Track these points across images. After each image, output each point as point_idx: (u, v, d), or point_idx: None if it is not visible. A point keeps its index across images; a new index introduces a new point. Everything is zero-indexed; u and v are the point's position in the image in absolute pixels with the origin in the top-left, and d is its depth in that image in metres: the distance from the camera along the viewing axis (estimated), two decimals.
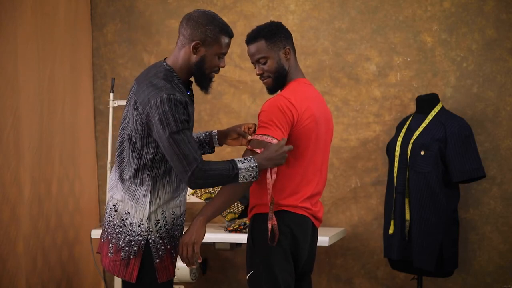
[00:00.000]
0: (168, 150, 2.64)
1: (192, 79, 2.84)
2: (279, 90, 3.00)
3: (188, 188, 4.38)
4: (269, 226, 2.85)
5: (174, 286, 4.49)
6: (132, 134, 2.71)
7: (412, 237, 3.98)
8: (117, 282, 4.50)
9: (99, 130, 4.95)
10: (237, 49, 4.64)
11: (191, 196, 4.37)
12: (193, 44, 2.74)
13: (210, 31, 2.75)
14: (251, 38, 2.96)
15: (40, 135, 4.42)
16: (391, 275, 4.46)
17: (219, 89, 4.71)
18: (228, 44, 2.80)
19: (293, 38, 3.09)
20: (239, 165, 2.69)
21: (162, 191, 2.76)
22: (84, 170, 4.82)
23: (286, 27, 3.08)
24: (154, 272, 2.74)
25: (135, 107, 2.69)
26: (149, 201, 2.74)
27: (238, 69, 4.67)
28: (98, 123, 4.95)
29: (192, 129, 2.83)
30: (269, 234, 2.85)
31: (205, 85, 2.81)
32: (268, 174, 2.83)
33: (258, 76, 2.99)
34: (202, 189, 4.28)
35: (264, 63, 2.95)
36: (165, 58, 2.82)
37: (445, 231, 3.99)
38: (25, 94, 4.29)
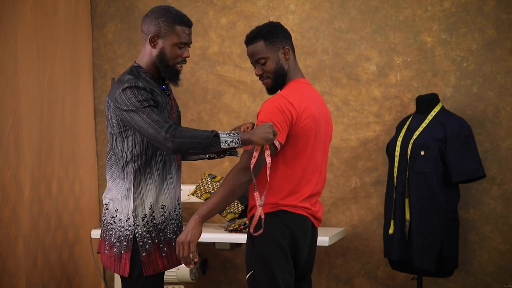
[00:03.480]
0: (140, 124, 2.70)
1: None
2: (279, 90, 3.00)
3: (188, 188, 4.41)
4: (257, 213, 2.84)
5: (174, 286, 4.50)
6: (112, 132, 2.82)
7: (412, 237, 3.98)
8: (117, 282, 4.50)
9: (99, 130, 4.95)
10: (237, 49, 4.64)
11: (191, 196, 4.37)
12: (149, 37, 2.84)
13: (163, 23, 2.83)
14: (250, 39, 2.97)
15: (40, 135, 4.42)
16: (391, 275, 4.46)
17: (219, 89, 4.71)
18: (187, 34, 2.85)
19: (293, 38, 3.10)
20: (220, 132, 2.72)
21: (144, 183, 2.82)
22: (84, 170, 4.82)
23: (286, 27, 3.08)
24: (141, 265, 2.81)
25: (108, 105, 2.82)
26: (133, 195, 2.81)
27: (238, 69, 4.67)
28: (98, 123, 4.95)
29: (173, 122, 2.86)
30: (256, 222, 2.85)
31: (171, 77, 2.86)
32: (263, 158, 2.81)
33: (258, 77, 3.00)
34: (202, 189, 4.28)
35: (263, 64, 2.96)
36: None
37: (445, 231, 3.99)
38: (25, 94, 4.29)
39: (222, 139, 2.70)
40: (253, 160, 2.79)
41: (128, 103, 2.71)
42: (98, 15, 4.92)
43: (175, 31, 2.82)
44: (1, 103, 4.15)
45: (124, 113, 2.73)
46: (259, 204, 2.84)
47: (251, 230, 2.87)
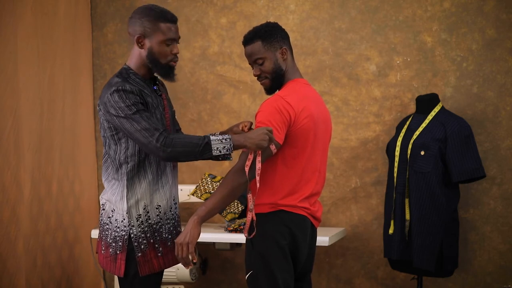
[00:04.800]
0: (130, 131, 2.71)
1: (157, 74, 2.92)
2: (277, 90, 3.00)
3: (188, 188, 4.41)
4: (248, 217, 2.85)
5: (174, 286, 4.50)
6: (105, 135, 2.83)
7: (412, 237, 3.98)
8: (117, 282, 4.50)
9: (99, 130, 4.94)
10: (237, 49, 4.64)
11: (191, 196, 4.37)
12: (135, 39, 2.82)
13: (147, 22, 2.81)
14: (248, 39, 2.97)
15: (40, 135, 4.42)
16: (391, 275, 4.46)
17: (219, 89, 4.71)
18: (172, 29, 2.82)
19: (293, 38, 3.10)
20: (212, 137, 2.72)
21: (138, 184, 2.83)
22: (84, 170, 4.82)
23: (286, 27, 3.08)
24: (136, 265, 2.82)
25: (99, 108, 2.82)
26: (126, 195, 2.82)
27: (238, 69, 4.67)
28: (98, 123, 4.95)
29: (166, 122, 2.89)
30: (248, 226, 2.86)
31: (166, 75, 2.85)
32: (254, 163, 2.81)
33: (256, 77, 3.00)
34: (202, 189, 4.28)
35: (261, 64, 2.96)
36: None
37: (445, 231, 3.99)
38: (25, 94, 4.29)
39: (214, 146, 2.70)
40: (248, 163, 2.79)
41: (117, 107, 2.71)
42: (98, 15, 4.92)
43: (159, 28, 2.80)
44: (1, 103, 4.15)
45: (114, 118, 2.73)
46: (250, 209, 2.85)
47: (245, 234, 2.88)
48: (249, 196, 2.86)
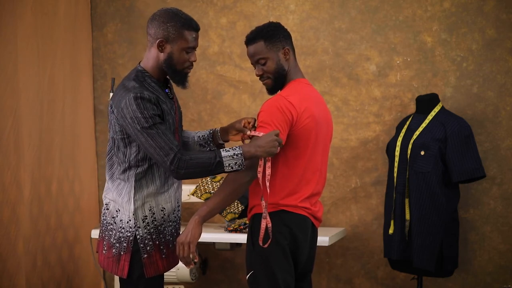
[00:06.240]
0: (145, 145, 2.71)
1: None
2: (279, 90, 3.00)
3: (188, 188, 4.41)
4: (263, 225, 2.84)
5: (174, 286, 4.50)
6: (114, 136, 2.81)
7: (412, 237, 3.99)
8: (117, 282, 4.50)
9: (99, 130, 4.95)
10: (237, 49, 4.64)
11: (191, 196, 4.37)
12: (157, 42, 2.80)
13: (172, 27, 2.79)
14: (250, 39, 2.97)
15: (40, 135, 4.42)
16: (391, 275, 4.46)
17: (219, 89, 4.72)
18: (195, 38, 2.83)
19: (293, 38, 3.10)
20: (223, 153, 2.72)
21: (145, 187, 2.82)
22: (84, 170, 4.82)
23: (286, 27, 3.08)
24: (142, 267, 2.81)
25: (112, 110, 2.79)
26: (134, 197, 2.81)
27: (238, 69, 4.67)
28: (98, 123, 4.95)
29: (175, 126, 2.88)
30: (263, 234, 2.85)
31: (179, 81, 2.85)
32: (264, 169, 2.81)
33: (258, 77, 3.00)
34: (202, 189, 4.28)
35: (264, 64, 2.95)
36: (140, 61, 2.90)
37: (445, 231, 3.99)
38: (25, 94, 4.29)
39: (226, 163, 2.71)
40: (260, 169, 2.79)
41: (134, 117, 2.69)
42: (98, 15, 4.92)
43: (183, 36, 2.79)
44: (1, 103, 4.15)
45: (129, 127, 2.71)
46: (263, 216, 2.84)
47: (260, 243, 2.86)
48: (262, 203, 2.85)
